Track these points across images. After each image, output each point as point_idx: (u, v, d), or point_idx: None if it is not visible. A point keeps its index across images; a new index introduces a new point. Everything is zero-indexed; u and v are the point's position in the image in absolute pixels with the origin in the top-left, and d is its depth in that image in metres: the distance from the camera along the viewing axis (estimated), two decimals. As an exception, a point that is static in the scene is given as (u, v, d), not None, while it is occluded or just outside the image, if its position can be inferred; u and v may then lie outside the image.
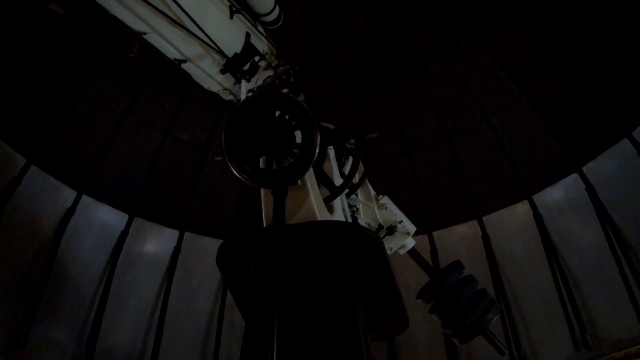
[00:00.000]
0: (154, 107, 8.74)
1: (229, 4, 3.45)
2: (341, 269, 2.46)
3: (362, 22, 9.55)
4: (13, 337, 6.75)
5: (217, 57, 3.38)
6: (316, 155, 2.58)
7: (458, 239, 8.43)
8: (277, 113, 2.68)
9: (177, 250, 8.81)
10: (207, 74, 3.50)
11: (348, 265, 2.50)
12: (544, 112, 8.02)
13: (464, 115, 8.90)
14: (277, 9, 4.07)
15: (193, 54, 3.29)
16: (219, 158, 2.91)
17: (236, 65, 3.42)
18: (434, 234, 8.51)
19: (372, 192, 3.92)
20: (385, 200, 3.91)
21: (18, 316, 6.90)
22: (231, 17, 3.42)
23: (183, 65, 3.39)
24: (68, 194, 7.85)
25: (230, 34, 3.44)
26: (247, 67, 3.49)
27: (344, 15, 9.61)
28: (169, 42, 3.18)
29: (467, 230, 8.56)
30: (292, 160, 2.62)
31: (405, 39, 9.37)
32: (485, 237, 8.30)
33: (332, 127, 3.66)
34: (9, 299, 6.93)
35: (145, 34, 3.10)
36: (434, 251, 8.46)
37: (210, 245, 8.87)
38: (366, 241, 2.54)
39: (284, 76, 3.54)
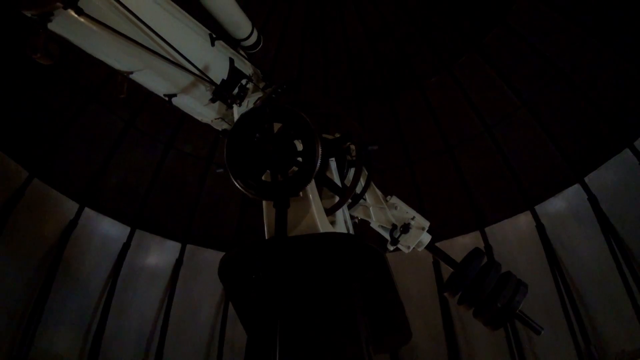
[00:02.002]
0: (156, 120, 8.77)
1: (208, 32, 3.44)
2: (343, 281, 2.46)
3: (363, 35, 9.61)
4: (15, 349, 6.74)
5: (206, 86, 3.37)
6: (318, 166, 2.58)
7: (460, 251, 8.34)
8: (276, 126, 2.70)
9: (179, 262, 8.80)
10: (199, 103, 3.50)
11: (350, 277, 2.49)
12: (545, 123, 8.03)
13: (465, 126, 8.91)
14: (255, 33, 4.07)
15: (182, 86, 3.28)
16: (221, 170, 2.92)
17: (225, 91, 3.43)
18: (437, 244, 8.45)
19: (380, 194, 3.93)
20: (394, 200, 3.92)
21: (20, 328, 6.89)
22: (212, 44, 3.41)
23: (174, 100, 3.39)
24: (70, 207, 7.86)
25: (215, 62, 3.42)
26: (236, 91, 3.49)
27: (344, 28, 9.67)
28: (158, 76, 3.17)
29: (469, 241, 8.55)
30: (295, 169, 2.63)
31: (406, 50, 9.42)
32: (488, 248, 8.28)
33: (332, 137, 3.67)
34: (12, 311, 6.92)
35: (132, 72, 3.09)
36: (436, 263, 8.46)
37: (212, 258, 8.86)
38: (368, 253, 2.54)
39: (273, 95, 3.55)
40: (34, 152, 7.50)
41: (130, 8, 2.64)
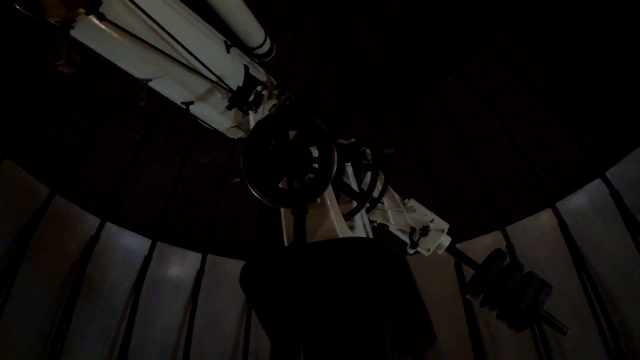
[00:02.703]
0: (173, 133, 8.86)
1: (223, 39, 3.47)
2: (365, 286, 2.45)
3: (374, 38, 9.61)
4: (43, 364, 6.84)
5: (222, 93, 3.39)
6: (334, 172, 2.58)
7: (481, 251, 8.26)
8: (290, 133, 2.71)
9: (200, 273, 8.85)
10: (215, 111, 3.52)
11: (371, 281, 2.48)
12: (563, 119, 7.93)
13: (481, 125, 8.84)
14: (267, 41, 4.09)
15: (199, 93, 3.31)
16: (238, 180, 2.93)
17: (241, 98, 3.45)
18: (457, 246, 8.39)
19: (398, 198, 3.91)
20: (412, 202, 3.90)
21: (47, 344, 6.99)
22: (228, 51, 3.44)
23: (191, 108, 3.42)
24: (92, 222, 7.97)
25: (230, 69, 3.45)
26: (251, 98, 3.51)
27: (355, 32, 9.68)
28: (176, 83, 3.20)
29: (490, 241, 8.46)
30: (312, 175, 2.63)
31: (418, 52, 9.39)
32: (510, 248, 8.18)
33: (347, 142, 3.66)
34: (38, 327, 7.02)
35: (150, 80, 3.13)
36: (458, 264, 8.38)
37: (233, 267, 8.90)
38: (388, 256, 2.53)
39: (287, 102, 3.56)
40: (55, 169, 7.62)
41: (150, 14, 2.68)
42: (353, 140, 3.62)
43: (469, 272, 3.70)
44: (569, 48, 7.74)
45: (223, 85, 3.29)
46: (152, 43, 2.80)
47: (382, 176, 3.68)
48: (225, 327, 8.75)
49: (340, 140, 3.59)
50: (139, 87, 3.13)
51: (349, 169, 3.51)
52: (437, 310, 8.11)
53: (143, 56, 2.90)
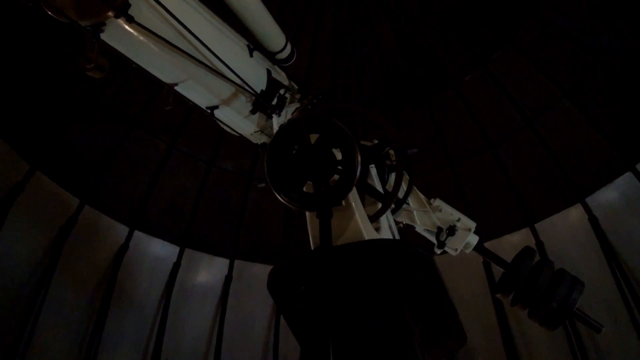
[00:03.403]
0: (197, 140, 8.96)
1: (246, 42, 3.49)
2: (392, 288, 2.44)
3: (394, 38, 9.57)
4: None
5: (246, 96, 3.41)
6: (358, 174, 2.58)
7: (510, 250, 8.15)
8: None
9: (228, 278, 8.92)
10: (239, 116, 3.55)
11: (399, 283, 2.47)
12: (589, 112, 7.77)
13: (505, 121, 8.72)
14: (288, 46, 4.10)
15: (223, 97, 3.34)
16: (262, 184, 2.95)
17: (265, 102, 3.46)
18: (485, 245, 8.29)
19: (423, 198, 3.89)
20: (438, 202, 3.88)
21: (82, 352, 7.13)
22: (251, 55, 3.47)
23: (215, 113, 3.45)
24: (121, 231, 8.11)
25: (253, 73, 3.47)
26: (275, 101, 3.52)
27: (374, 33, 9.66)
28: (201, 87, 3.23)
29: (519, 239, 8.33)
30: (336, 178, 2.64)
31: (438, 50, 9.32)
32: (539, 245, 8.03)
33: (370, 144, 3.65)
34: (72, 336, 7.17)
35: (176, 84, 3.17)
36: (487, 263, 8.27)
37: (261, 272, 8.94)
38: (415, 257, 2.51)
39: (309, 106, 3.56)
40: (84, 180, 7.78)
41: (177, 17, 2.72)
42: (376, 141, 3.61)
43: (498, 271, 3.66)
44: (593, 40, 7.59)
45: (247, 88, 3.31)
46: (178, 46, 2.84)
47: (406, 176, 3.67)
48: (254, 332, 8.79)
49: (363, 142, 3.59)
50: (165, 91, 3.19)
51: (373, 170, 3.51)
52: (467, 311, 8.02)
53: (170, 59, 2.95)
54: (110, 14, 2.43)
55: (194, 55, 2.94)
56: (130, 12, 2.50)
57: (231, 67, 3.15)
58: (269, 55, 3.97)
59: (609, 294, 7.17)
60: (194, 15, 3.00)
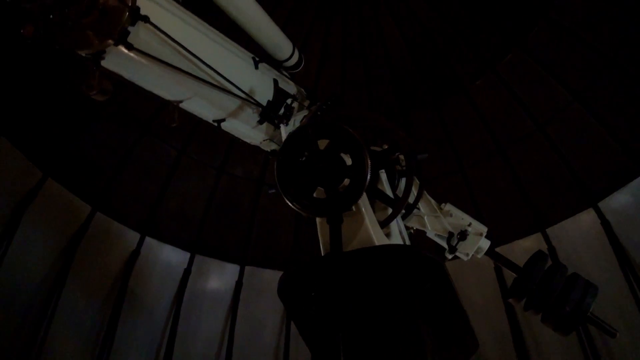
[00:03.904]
0: (207, 147, 9.00)
1: (251, 55, 3.49)
2: (403, 294, 2.43)
3: (403, 44, 9.57)
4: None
5: (253, 108, 3.42)
6: (368, 179, 2.58)
7: (522, 255, 8.10)
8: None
9: (239, 284, 8.92)
10: (247, 126, 3.56)
11: (410, 289, 2.46)
12: (601, 115, 7.72)
13: (516, 126, 8.68)
14: (296, 53, 4.12)
15: (229, 110, 3.35)
16: (273, 190, 2.95)
17: (272, 112, 3.46)
18: (497, 249, 8.23)
19: (434, 202, 3.87)
20: (448, 207, 3.87)
21: (94, 357, 7.16)
22: (256, 67, 3.46)
23: (222, 125, 3.47)
24: (132, 237, 8.15)
25: (259, 84, 3.47)
26: (282, 111, 3.52)
27: (384, 39, 9.67)
28: (206, 102, 3.24)
29: (530, 244, 8.26)
30: (346, 184, 2.64)
31: (448, 55, 9.31)
32: (551, 250, 7.97)
33: (380, 149, 3.65)
34: (84, 341, 7.21)
35: (181, 101, 3.18)
36: (498, 268, 8.22)
37: (271, 278, 8.93)
38: (426, 263, 2.50)
39: (318, 112, 3.57)
40: (95, 186, 7.84)
41: (177, 39, 2.72)
42: (386, 146, 3.61)
43: (509, 276, 3.63)
44: (604, 42, 7.55)
45: (252, 101, 3.32)
46: (180, 67, 2.84)
47: (416, 181, 3.66)
48: (265, 338, 8.79)
49: (373, 147, 3.59)
50: (170, 109, 3.20)
51: (383, 175, 3.50)
52: (479, 316, 7.97)
53: (172, 79, 2.95)
54: (109, 42, 2.44)
55: (197, 74, 2.95)
56: (129, 38, 2.51)
57: (235, 82, 3.15)
58: (277, 64, 3.98)
59: (622, 300, 7.09)
60: (195, 35, 3.00)
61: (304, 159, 2.72)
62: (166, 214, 8.67)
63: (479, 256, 3.85)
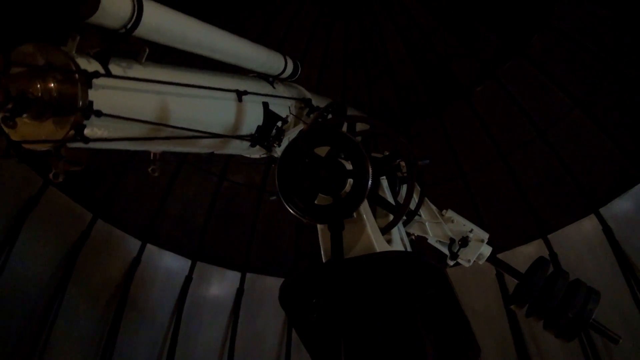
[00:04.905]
0: (208, 154, 8.99)
1: (233, 91, 3.35)
2: (405, 301, 2.42)
3: (404, 51, 9.58)
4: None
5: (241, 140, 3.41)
6: (369, 186, 2.58)
7: (524, 261, 8.05)
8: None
9: (240, 291, 8.90)
10: (241, 151, 3.55)
11: (411, 296, 2.45)
12: (602, 122, 7.72)
13: (517, 132, 8.68)
14: (290, 64, 4.09)
15: (218, 146, 3.35)
16: (274, 197, 2.96)
17: (263, 137, 3.44)
18: (498, 256, 8.21)
19: (435, 209, 3.87)
20: (450, 213, 3.87)
21: (94, 365, 7.16)
22: (240, 100, 3.35)
23: (214, 152, 3.46)
24: (133, 244, 8.14)
25: (246, 116, 3.41)
26: (273, 133, 3.49)
27: (385, 46, 9.68)
28: (191, 147, 3.28)
29: (532, 250, 8.23)
30: (347, 191, 2.64)
31: (449, 62, 9.32)
32: (553, 256, 7.94)
33: (381, 155, 3.66)
34: (85, 348, 7.19)
35: (163, 151, 3.18)
36: (500, 274, 8.18)
37: (273, 285, 8.90)
38: (427, 269, 2.50)
39: (319, 119, 3.57)
40: (96, 194, 7.84)
41: (138, 114, 2.63)
42: (387, 153, 3.62)
43: (511, 282, 3.62)
44: (604, 49, 7.56)
45: (237, 138, 3.30)
46: (148, 136, 2.78)
47: (418, 188, 3.66)
48: (266, 345, 8.75)
49: (374, 154, 3.59)
50: (152, 158, 3.17)
51: (384, 182, 3.50)
52: (481, 323, 7.93)
53: (143, 144, 2.92)
54: (69, 134, 2.37)
55: (175, 135, 2.88)
56: (88, 129, 2.42)
57: (217, 124, 3.13)
58: (273, 78, 3.96)
59: (624, 306, 7.07)
60: (160, 101, 2.86)
61: (304, 166, 2.73)
62: (167, 221, 8.66)
63: (481, 262, 3.85)
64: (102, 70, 2.43)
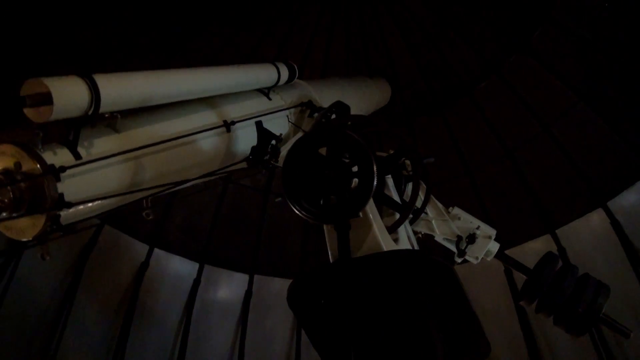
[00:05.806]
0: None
1: (221, 124, 3.27)
2: (413, 299, 2.42)
3: (406, 50, 9.57)
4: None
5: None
6: (375, 186, 2.57)
7: (532, 257, 8.00)
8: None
9: (248, 293, 8.91)
10: (240, 167, 3.52)
11: (420, 294, 2.45)
12: (607, 115, 7.68)
13: (522, 128, 8.65)
14: (284, 71, 3.99)
15: (213, 177, 3.33)
16: (279, 199, 2.96)
17: (258, 158, 3.41)
18: (506, 252, 8.16)
19: (441, 206, 3.86)
20: (456, 210, 3.85)
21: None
22: (228, 130, 3.28)
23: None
24: (140, 249, 8.17)
25: (238, 142, 3.39)
26: (268, 153, 3.44)
27: (387, 45, 9.68)
28: (186, 183, 3.20)
29: (540, 246, 8.20)
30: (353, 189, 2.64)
31: (452, 59, 9.30)
32: (561, 251, 7.91)
33: (385, 154, 3.65)
34: (95, 353, 7.21)
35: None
36: (508, 271, 8.15)
37: (281, 286, 8.91)
38: (435, 267, 2.49)
39: (323, 120, 3.56)
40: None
41: (128, 177, 2.68)
42: (392, 152, 3.61)
43: (520, 278, 3.61)
44: (608, 42, 7.53)
45: (227, 169, 3.30)
46: (135, 198, 2.82)
47: (423, 186, 3.65)
48: (276, 347, 8.76)
49: (379, 153, 3.59)
50: (145, 203, 3.11)
51: (390, 181, 3.49)
52: (490, 320, 7.91)
53: (140, 194, 2.90)
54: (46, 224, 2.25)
55: (161, 188, 2.87)
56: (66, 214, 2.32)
57: (207, 161, 3.15)
58: (270, 88, 3.90)
59: (635, 299, 7.03)
60: (142, 164, 2.82)
61: (309, 168, 2.73)
62: (174, 225, 8.68)
63: (489, 259, 3.83)
64: (70, 158, 2.37)
